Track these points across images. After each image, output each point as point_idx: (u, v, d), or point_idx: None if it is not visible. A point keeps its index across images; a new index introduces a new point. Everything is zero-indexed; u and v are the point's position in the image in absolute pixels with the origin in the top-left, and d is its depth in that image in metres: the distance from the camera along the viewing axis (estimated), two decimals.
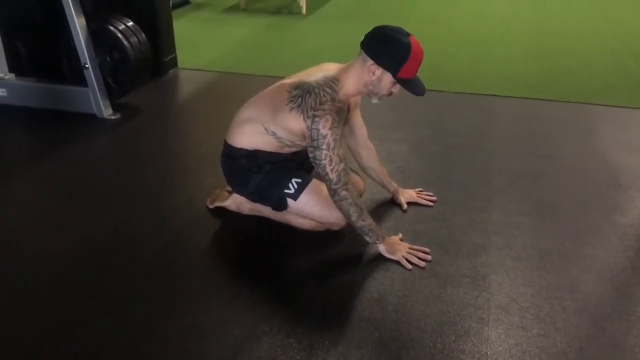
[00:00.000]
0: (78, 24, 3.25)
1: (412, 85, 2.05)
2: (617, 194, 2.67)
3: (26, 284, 2.03)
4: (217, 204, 2.45)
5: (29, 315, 1.87)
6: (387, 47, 2.00)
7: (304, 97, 2.04)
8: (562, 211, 2.52)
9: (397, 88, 2.07)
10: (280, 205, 2.25)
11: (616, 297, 1.99)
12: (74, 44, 3.31)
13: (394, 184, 2.54)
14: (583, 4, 6.71)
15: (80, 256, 2.18)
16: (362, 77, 2.05)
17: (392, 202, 2.53)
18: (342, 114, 2.11)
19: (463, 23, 5.92)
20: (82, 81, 3.40)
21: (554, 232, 2.36)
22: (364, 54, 2.03)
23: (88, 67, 3.33)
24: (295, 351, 1.72)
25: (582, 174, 2.86)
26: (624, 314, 1.91)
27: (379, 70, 2.01)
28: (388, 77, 2.02)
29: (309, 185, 2.22)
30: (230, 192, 2.43)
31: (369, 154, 2.46)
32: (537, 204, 2.56)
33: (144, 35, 3.53)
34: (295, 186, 2.21)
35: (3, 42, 3.53)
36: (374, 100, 2.13)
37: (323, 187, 2.20)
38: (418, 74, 2.07)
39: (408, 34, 2.01)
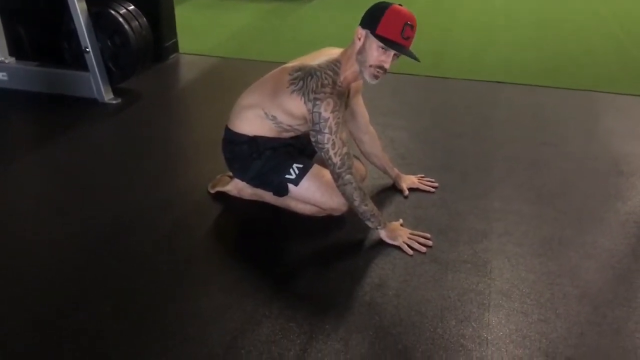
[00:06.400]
0: (79, 7, 3.23)
1: (396, 46, 1.94)
2: (619, 181, 2.66)
3: (27, 268, 2.03)
4: (219, 189, 2.45)
5: (30, 299, 1.87)
6: (371, 8, 2.00)
7: (306, 79, 2.02)
8: (564, 198, 2.51)
9: (387, 58, 1.96)
10: (281, 190, 2.24)
11: (617, 284, 1.99)
12: (75, 27, 3.29)
13: (396, 170, 2.54)
14: None
15: (81, 241, 2.18)
16: (354, 49, 2.02)
17: (394, 188, 2.53)
18: (342, 98, 2.09)
19: (466, 10, 5.88)
20: (83, 65, 3.38)
21: (555, 219, 2.36)
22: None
23: (89, 51, 3.31)
24: (296, 335, 1.72)
25: (584, 162, 2.85)
26: (624, 300, 1.90)
27: (362, 32, 1.98)
28: (372, 40, 1.95)
29: (310, 171, 2.21)
30: (231, 177, 2.43)
31: (370, 139, 2.45)
32: (539, 191, 2.56)
33: (145, 19, 3.51)
34: (297, 171, 2.20)
35: (4, 25, 3.51)
36: (368, 77, 2.02)
37: (324, 172, 2.19)
38: (413, 52, 1.97)
39: (399, 4, 1.97)
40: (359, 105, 2.38)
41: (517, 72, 4.11)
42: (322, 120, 2.01)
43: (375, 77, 2.02)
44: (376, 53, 1.96)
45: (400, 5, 1.97)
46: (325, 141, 2.02)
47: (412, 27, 1.95)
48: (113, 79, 3.49)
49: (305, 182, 2.21)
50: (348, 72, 2.06)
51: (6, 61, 3.55)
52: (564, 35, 5.04)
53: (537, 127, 3.22)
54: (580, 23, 5.45)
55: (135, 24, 3.42)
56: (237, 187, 2.41)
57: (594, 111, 3.49)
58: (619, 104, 3.59)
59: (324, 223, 2.27)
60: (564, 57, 4.47)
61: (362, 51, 1.99)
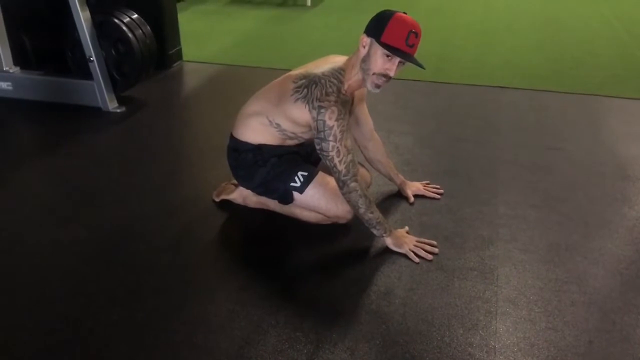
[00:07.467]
0: (83, 16, 3.23)
1: (400, 53, 1.95)
2: (626, 186, 2.65)
3: (33, 276, 2.03)
4: (224, 197, 2.45)
5: (35, 308, 1.87)
6: (375, 17, 2.00)
7: (310, 87, 2.02)
8: (570, 204, 2.50)
9: (392, 66, 1.97)
10: (286, 198, 2.24)
11: (625, 290, 1.98)
12: (79, 37, 3.30)
13: (401, 177, 2.53)
14: None
15: (87, 249, 2.17)
16: (358, 57, 2.02)
17: (399, 195, 2.52)
18: (346, 106, 2.09)
19: (469, 14, 5.88)
20: (87, 74, 3.39)
21: (561, 224, 2.34)
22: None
23: (93, 60, 3.32)
24: (303, 344, 1.71)
25: (590, 166, 2.84)
26: (633, 306, 1.89)
27: (367, 40, 1.98)
28: (376, 48, 1.96)
29: (315, 179, 2.21)
30: (236, 185, 2.43)
31: (375, 146, 2.45)
32: (545, 197, 2.55)
33: (148, 27, 3.52)
34: (302, 179, 2.20)
35: (8, 35, 3.52)
36: (370, 86, 2.03)
37: (329, 180, 2.19)
38: (418, 59, 1.98)
39: (403, 12, 1.98)
40: (363, 112, 2.38)
41: (520, 76, 4.10)
42: (326, 128, 2.01)
43: (378, 86, 2.03)
44: (381, 61, 1.96)
45: (404, 13, 1.97)
46: (330, 149, 2.02)
47: (417, 34, 1.95)
48: (117, 88, 3.50)
49: (310, 190, 2.20)
50: (352, 80, 2.06)
51: (11, 71, 3.56)
52: (568, 38, 5.03)
53: (542, 131, 3.21)
54: (583, 26, 5.44)
55: (139, 32, 3.43)
56: (242, 195, 2.41)
57: (598, 115, 3.48)
58: (623, 108, 3.58)
59: (329, 231, 2.26)
60: (567, 60, 4.46)
61: (366, 59, 1.99)
